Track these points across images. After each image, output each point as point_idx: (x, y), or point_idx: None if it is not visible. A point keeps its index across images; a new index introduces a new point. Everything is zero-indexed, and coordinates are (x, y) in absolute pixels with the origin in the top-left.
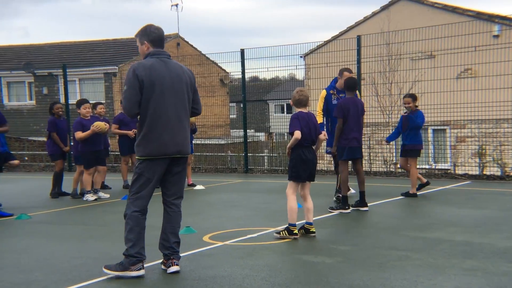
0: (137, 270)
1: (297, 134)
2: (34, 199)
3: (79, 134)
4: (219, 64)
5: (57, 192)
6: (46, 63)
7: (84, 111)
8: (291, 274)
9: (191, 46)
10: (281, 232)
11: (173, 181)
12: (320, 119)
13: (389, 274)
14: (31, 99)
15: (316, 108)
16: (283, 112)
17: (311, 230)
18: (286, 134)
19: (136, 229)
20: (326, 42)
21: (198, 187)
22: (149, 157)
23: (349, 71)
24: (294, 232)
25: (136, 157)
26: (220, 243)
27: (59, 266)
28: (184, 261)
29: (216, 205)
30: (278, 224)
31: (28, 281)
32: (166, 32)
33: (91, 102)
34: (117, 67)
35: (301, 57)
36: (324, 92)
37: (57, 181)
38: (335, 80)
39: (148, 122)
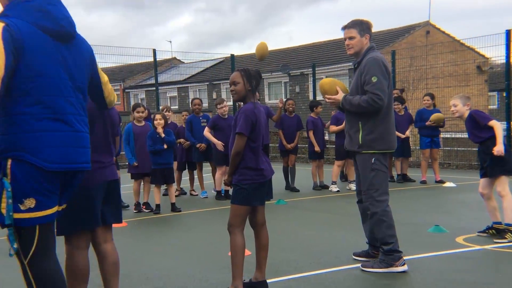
0: (402, 265)
1: None
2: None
3: (333, 128)
4: (476, 49)
5: (290, 186)
6: (299, 63)
7: (319, 110)
8: None
9: (443, 33)
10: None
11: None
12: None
13: None
14: (286, 97)
15: None
16: None
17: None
18: None
19: (393, 224)
20: None
21: (448, 184)
22: (386, 151)
23: None
24: None
25: (372, 152)
26: (478, 247)
27: (311, 250)
28: (433, 261)
29: (469, 205)
30: None
31: (287, 260)
32: (414, 22)
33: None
34: None
35: None
36: None
37: (287, 175)
38: None
39: (388, 116)
